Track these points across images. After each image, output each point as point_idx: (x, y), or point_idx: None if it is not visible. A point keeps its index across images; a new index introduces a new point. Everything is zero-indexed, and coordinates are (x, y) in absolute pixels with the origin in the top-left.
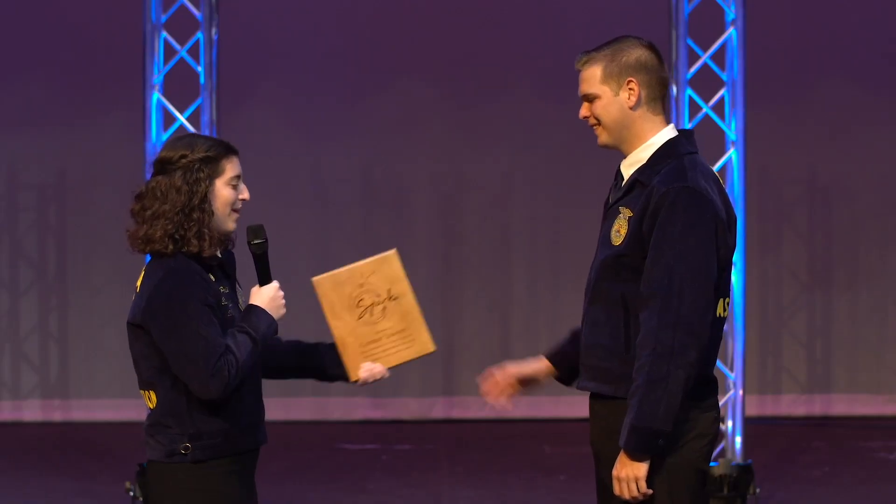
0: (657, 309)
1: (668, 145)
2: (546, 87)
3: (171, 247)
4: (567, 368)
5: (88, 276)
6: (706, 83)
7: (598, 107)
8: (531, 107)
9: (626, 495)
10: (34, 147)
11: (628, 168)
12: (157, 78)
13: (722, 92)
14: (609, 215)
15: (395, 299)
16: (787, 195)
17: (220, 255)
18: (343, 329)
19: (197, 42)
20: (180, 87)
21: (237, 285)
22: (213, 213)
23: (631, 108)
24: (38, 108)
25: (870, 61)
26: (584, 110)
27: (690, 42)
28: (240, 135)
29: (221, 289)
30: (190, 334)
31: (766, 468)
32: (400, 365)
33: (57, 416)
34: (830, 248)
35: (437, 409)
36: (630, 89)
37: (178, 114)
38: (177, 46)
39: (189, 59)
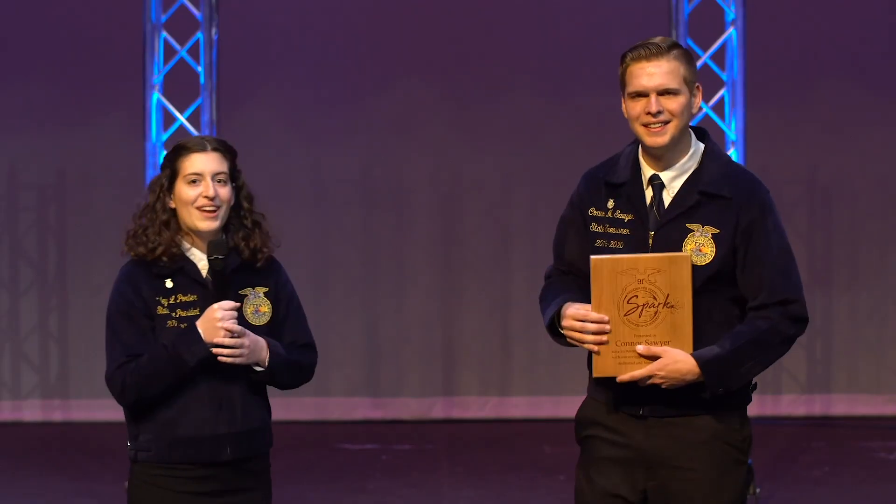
0: (788, 308)
1: (709, 148)
2: (546, 87)
3: (139, 249)
4: None
5: (88, 276)
6: (706, 83)
7: (678, 104)
8: (531, 107)
9: (643, 380)
10: (34, 147)
11: (676, 179)
12: (157, 78)
13: (722, 92)
14: (666, 231)
15: (671, 307)
16: (787, 195)
17: (189, 261)
18: None
19: (197, 42)
20: (180, 87)
21: (257, 291)
22: (165, 213)
23: (693, 115)
24: (38, 108)
25: (870, 61)
26: (656, 104)
27: (690, 42)
28: (240, 135)
29: (180, 297)
30: (106, 339)
31: (766, 468)
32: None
33: (57, 416)
34: (830, 248)
35: (437, 409)
36: (695, 94)
37: (178, 114)
38: (177, 46)
39: (189, 59)
